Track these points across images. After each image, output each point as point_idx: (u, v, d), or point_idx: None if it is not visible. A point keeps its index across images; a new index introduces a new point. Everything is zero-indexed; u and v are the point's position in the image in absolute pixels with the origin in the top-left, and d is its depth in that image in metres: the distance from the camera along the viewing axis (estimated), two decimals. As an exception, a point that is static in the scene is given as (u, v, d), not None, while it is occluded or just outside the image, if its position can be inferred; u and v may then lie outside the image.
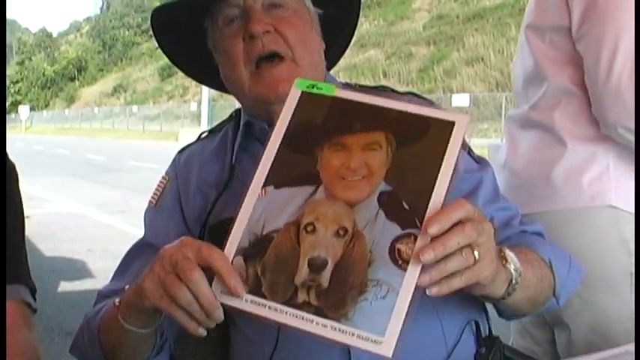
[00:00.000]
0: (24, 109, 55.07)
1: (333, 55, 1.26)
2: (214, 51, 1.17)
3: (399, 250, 0.80)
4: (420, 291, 0.78)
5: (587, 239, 1.46)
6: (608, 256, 1.46)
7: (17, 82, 75.60)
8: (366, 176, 0.85)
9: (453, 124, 0.86)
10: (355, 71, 31.74)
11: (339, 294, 0.79)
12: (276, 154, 0.89)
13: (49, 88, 76.55)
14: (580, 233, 1.47)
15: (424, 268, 0.79)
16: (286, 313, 0.80)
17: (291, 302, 0.80)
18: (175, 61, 1.28)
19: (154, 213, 1.21)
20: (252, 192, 0.88)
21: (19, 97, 73.19)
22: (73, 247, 6.49)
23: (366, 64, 33.14)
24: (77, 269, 5.57)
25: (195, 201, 1.17)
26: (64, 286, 4.99)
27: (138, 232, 1.23)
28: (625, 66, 1.36)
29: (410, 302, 0.78)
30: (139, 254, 1.17)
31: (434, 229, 0.78)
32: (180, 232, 1.15)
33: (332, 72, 1.26)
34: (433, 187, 0.83)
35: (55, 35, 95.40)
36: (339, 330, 0.78)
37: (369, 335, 0.77)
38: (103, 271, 5.16)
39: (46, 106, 73.42)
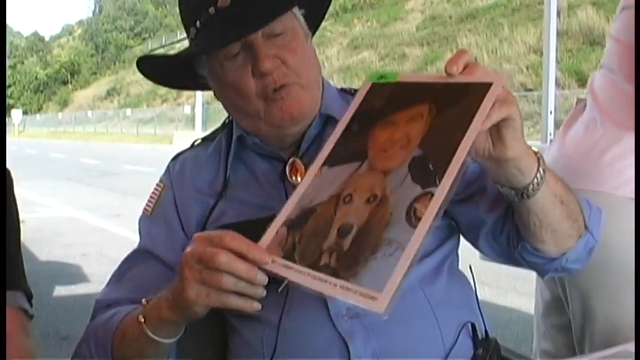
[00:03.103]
0: (17, 113, 54.85)
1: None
2: (210, 80, 1.16)
3: (415, 208, 0.82)
4: (423, 248, 0.79)
5: (609, 225, 1.38)
6: (626, 247, 1.39)
7: (9, 85, 75.23)
8: (404, 145, 0.88)
9: (490, 85, 0.87)
10: (349, 73, 31.74)
11: (355, 255, 0.82)
12: (338, 139, 0.95)
13: (42, 91, 76.26)
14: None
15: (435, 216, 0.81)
16: (307, 274, 0.83)
17: (314, 265, 0.83)
18: (163, 84, 1.27)
19: (149, 221, 1.21)
20: (310, 172, 0.94)
21: (11, 101, 72.84)
22: (67, 251, 6.47)
23: (360, 65, 33.13)
24: (72, 274, 5.55)
25: (192, 208, 1.17)
26: (59, 291, 4.98)
27: (133, 236, 1.23)
28: None
29: (413, 256, 0.78)
30: (137, 262, 1.17)
31: (454, 69, 0.89)
32: (179, 239, 1.16)
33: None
34: (458, 147, 0.84)
35: (47, 39, 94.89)
36: (346, 288, 0.80)
37: (368, 292, 0.78)
38: (97, 276, 5.14)
39: (39, 109, 73.14)
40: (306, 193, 0.91)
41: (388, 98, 0.95)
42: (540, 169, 0.95)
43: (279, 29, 1.09)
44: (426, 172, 0.84)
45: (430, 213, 0.80)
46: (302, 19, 1.16)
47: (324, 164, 0.93)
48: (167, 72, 1.21)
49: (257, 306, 0.89)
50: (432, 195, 0.82)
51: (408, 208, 0.82)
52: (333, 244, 0.84)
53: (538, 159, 0.96)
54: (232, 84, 1.10)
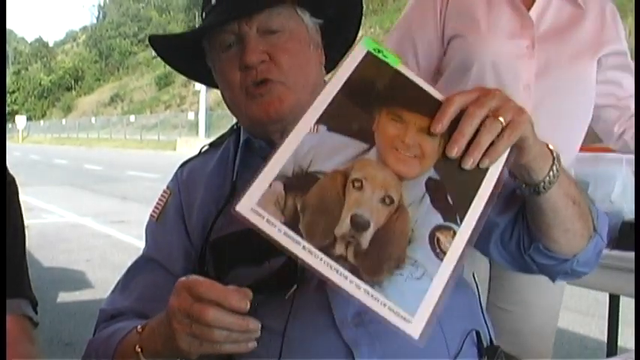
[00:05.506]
0: (21, 119, 55.17)
1: (334, 59, 1.25)
2: (213, 71, 1.18)
3: (438, 238, 0.81)
4: (454, 281, 0.80)
5: None
6: None
7: (14, 92, 75.55)
8: (418, 156, 0.85)
9: None
10: (352, 78, 31.76)
11: (376, 260, 0.79)
12: (333, 98, 0.86)
13: (46, 97, 76.54)
14: None
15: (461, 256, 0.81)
16: (321, 260, 0.77)
17: (327, 251, 0.78)
18: (176, 69, 1.28)
19: (155, 228, 1.21)
20: (302, 124, 0.84)
21: (15, 107, 73.16)
22: (71, 257, 6.48)
23: (363, 71, 33.15)
24: (76, 280, 5.55)
25: (199, 216, 1.17)
26: (63, 297, 4.98)
27: (137, 243, 1.24)
28: None
29: (442, 291, 0.79)
30: (142, 270, 1.17)
31: (438, 129, 0.84)
32: (184, 248, 1.16)
33: (327, 78, 1.25)
34: (478, 189, 0.84)
35: (51, 45, 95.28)
36: (372, 296, 0.77)
37: (400, 310, 0.77)
38: (101, 282, 5.15)
39: (43, 115, 73.38)
40: (301, 150, 0.82)
41: (390, 86, 0.88)
42: (554, 167, 0.95)
43: (276, 26, 1.10)
44: (446, 204, 0.83)
45: (454, 253, 0.81)
46: (310, 25, 1.16)
47: (319, 121, 0.84)
48: (182, 58, 1.23)
49: (252, 346, 0.87)
50: (454, 232, 0.82)
51: (430, 233, 0.82)
52: (347, 233, 0.79)
53: (553, 157, 0.96)
54: (223, 76, 1.13)
